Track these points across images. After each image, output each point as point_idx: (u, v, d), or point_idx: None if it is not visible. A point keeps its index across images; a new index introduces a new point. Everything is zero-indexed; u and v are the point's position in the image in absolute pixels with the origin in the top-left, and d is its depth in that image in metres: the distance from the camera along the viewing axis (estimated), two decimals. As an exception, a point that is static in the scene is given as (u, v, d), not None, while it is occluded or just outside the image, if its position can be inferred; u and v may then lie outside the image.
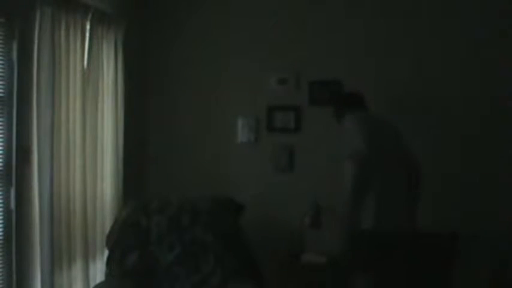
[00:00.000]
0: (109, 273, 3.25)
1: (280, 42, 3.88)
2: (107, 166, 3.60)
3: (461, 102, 3.47)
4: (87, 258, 3.31)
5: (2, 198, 2.78)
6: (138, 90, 4.06)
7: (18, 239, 2.82)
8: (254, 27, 3.95)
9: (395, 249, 2.75)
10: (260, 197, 3.82)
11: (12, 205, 2.82)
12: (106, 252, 3.39)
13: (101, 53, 3.49)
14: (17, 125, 2.83)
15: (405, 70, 3.61)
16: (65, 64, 3.10)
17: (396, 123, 3.08)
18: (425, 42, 3.57)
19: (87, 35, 3.33)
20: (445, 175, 3.41)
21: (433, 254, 2.73)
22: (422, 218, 2.97)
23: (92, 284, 3.29)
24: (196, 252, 3.22)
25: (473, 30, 3.47)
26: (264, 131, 3.92)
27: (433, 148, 3.45)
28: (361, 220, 2.84)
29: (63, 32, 3.07)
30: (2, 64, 2.75)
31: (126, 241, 3.27)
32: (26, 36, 2.85)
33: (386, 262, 2.73)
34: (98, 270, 3.45)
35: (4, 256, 2.77)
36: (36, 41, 2.87)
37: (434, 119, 3.50)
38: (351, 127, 3.01)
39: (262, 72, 3.90)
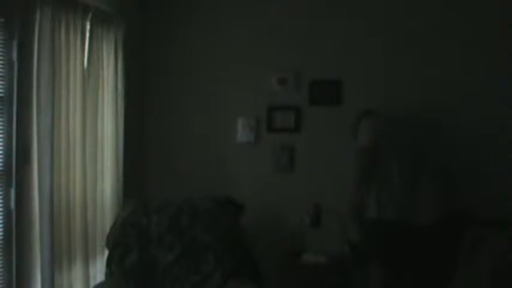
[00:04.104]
0: (109, 273, 3.25)
1: (280, 42, 3.88)
2: (107, 166, 3.60)
3: (462, 102, 3.48)
4: (87, 258, 3.30)
5: (2, 198, 2.77)
6: (138, 90, 4.06)
7: (18, 239, 2.81)
8: (254, 27, 3.95)
9: (403, 239, 2.90)
10: (260, 197, 3.82)
11: (12, 205, 2.81)
12: (106, 252, 3.39)
13: (101, 53, 3.49)
14: (17, 125, 2.82)
15: (405, 70, 3.61)
16: (65, 64, 3.09)
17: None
18: (425, 42, 3.57)
19: (87, 35, 3.32)
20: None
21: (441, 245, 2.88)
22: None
23: (92, 284, 3.29)
24: (196, 252, 3.22)
25: (474, 29, 3.48)
26: (264, 131, 3.92)
27: (434, 145, 3.45)
28: (367, 210, 3.12)
29: (63, 32, 3.07)
30: (2, 64, 2.75)
31: (126, 241, 3.27)
32: (26, 36, 2.84)
33: (394, 252, 2.89)
34: (98, 270, 3.45)
35: (4, 256, 2.77)
36: (36, 41, 2.87)
37: (435, 118, 3.51)
38: (363, 126, 3.25)
39: (262, 72, 3.89)
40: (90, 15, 3.31)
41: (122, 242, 3.28)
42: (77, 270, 3.23)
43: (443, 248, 2.97)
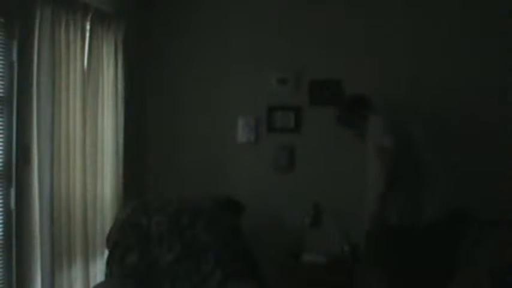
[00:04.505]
0: (109, 273, 3.25)
1: (281, 42, 3.88)
2: (107, 166, 3.60)
3: (462, 102, 3.48)
4: (87, 258, 3.30)
5: (2, 198, 2.77)
6: (138, 90, 4.06)
7: (18, 239, 2.81)
8: (254, 27, 3.95)
9: (412, 243, 2.85)
10: (260, 197, 3.81)
11: (12, 205, 2.81)
12: (106, 252, 3.39)
13: (101, 53, 3.49)
14: (17, 125, 2.82)
15: (405, 70, 3.61)
16: (65, 64, 3.09)
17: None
18: (425, 42, 3.57)
19: (87, 35, 3.32)
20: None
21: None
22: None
23: (92, 284, 3.29)
24: (196, 252, 3.22)
25: (474, 29, 3.48)
26: (264, 131, 3.92)
27: (435, 146, 3.45)
28: (388, 215, 2.96)
29: (63, 32, 3.07)
30: (2, 64, 2.75)
31: (126, 241, 3.27)
32: (26, 36, 2.84)
33: (404, 256, 2.83)
34: (98, 270, 3.45)
35: (4, 256, 2.77)
36: (36, 41, 2.86)
37: (435, 118, 3.51)
38: (378, 127, 3.05)
39: (262, 72, 3.89)
40: (90, 15, 3.31)
41: (122, 242, 3.28)
42: (77, 270, 3.23)
43: (443, 248, 2.97)
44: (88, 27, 3.33)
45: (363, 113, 3.23)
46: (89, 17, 3.31)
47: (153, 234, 3.27)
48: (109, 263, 3.27)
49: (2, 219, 2.77)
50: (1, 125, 2.77)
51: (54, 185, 2.98)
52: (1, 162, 2.78)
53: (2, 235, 2.76)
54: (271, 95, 3.89)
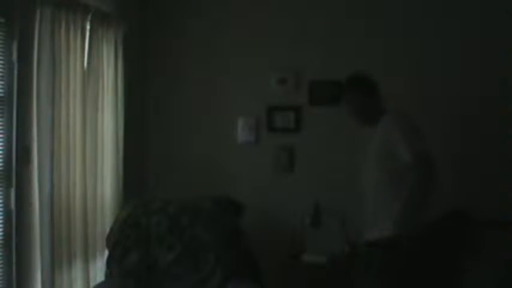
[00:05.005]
0: (109, 273, 3.25)
1: (280, 42, 3.88)
2: (107, 166, 3.60)
3: (462, 102, 3.48)
4: (87, 258, 3.30)
5: (2, 198, 2.78)
6: (138, 90, 4.06)
7: (18, 239, 2.81)
8: (254, 27, 3.95)
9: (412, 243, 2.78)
10: (260, 197, 3.82)
11: (12, 205, 2.81)
12: (106, 252, 3.39)
13: (101, 53, 3.49)
14: (17, 125, 2.82)
15: (405, 70, 3.61)
16: (65, 64, 3.09)
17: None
18: (425, 42, 3.57)
19: (87, 35, 3.32)
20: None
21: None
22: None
23: (92, 284, 3.29)
24: (196, 252, 3.22)
25: (474, 30, 3.48)
26: (264, 131, 3.92)
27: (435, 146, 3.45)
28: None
29: (63, 32, 3.07)
30: (2, 64, 2.75)
31: (126, 241, 3.27)
32: (26, 36, 2.84)
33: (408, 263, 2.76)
34: (98, 270, 3.45)
35: (4, 256, 2.77)
36: (36, 41, 2.87)
37: (435, 118, 3.51)
38: (406, 126, 2.76)
39: (262, 72, 3.89)
40: (90, 15, 3.32)
41: (122, 242, 3.28)
42: (77, 270, 3.23)
43: (443, 248, 2.96)
44: (88, 27, 3.33)
45: (366, 92, 2.93)
46: (89, 17, 3.31)
47: (153, 234, 3.28)
48: (109, 263, 3.27)
49: (2, 219, 2.77)
50: (1, 125, 2.77)
51: (54, 185, 2.98)
52: (1, 162, 2.78)
53: (2, 235, 2.76)
54: (271, 95, 3.89)
